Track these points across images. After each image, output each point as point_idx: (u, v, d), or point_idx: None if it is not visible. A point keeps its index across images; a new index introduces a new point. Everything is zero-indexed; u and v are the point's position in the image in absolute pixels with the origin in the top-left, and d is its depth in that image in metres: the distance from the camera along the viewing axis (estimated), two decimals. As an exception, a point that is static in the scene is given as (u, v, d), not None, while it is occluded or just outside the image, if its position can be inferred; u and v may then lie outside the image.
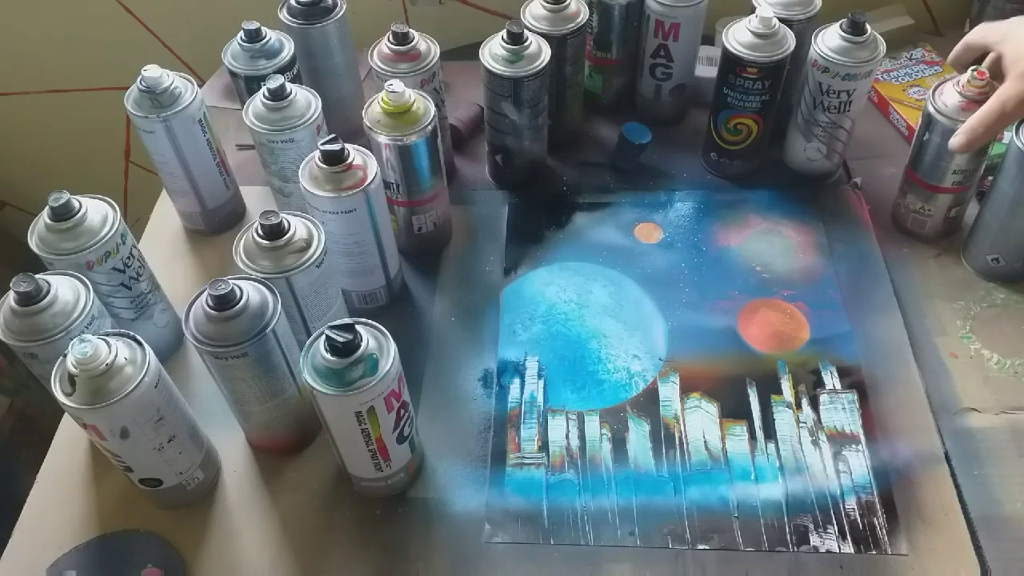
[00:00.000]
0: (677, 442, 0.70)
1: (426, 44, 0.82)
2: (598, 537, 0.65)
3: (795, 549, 0.64)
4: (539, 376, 0.75)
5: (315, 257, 0.65)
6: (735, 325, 0.78)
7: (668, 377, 0.74)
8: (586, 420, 0.72)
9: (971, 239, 0.81)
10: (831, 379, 0.73)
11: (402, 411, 0.62)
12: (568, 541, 0.65)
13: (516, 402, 0.74)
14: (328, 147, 0.68)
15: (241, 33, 0.82)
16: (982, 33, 0.75)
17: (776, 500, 0.66)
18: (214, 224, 0.88)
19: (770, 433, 0.70)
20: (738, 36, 0.81)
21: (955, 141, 0.73)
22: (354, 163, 0.70)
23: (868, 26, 0.79)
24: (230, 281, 0.60)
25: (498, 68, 0.80)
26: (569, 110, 0.93)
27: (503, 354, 0.77)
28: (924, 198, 0.81)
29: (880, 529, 0.64)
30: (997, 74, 0.73)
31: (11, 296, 0.61)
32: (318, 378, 0.57)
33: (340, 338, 0.56)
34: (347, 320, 0.57)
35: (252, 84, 0.81)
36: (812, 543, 0.64)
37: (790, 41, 0.80)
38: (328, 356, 0.56)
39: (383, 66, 0.80)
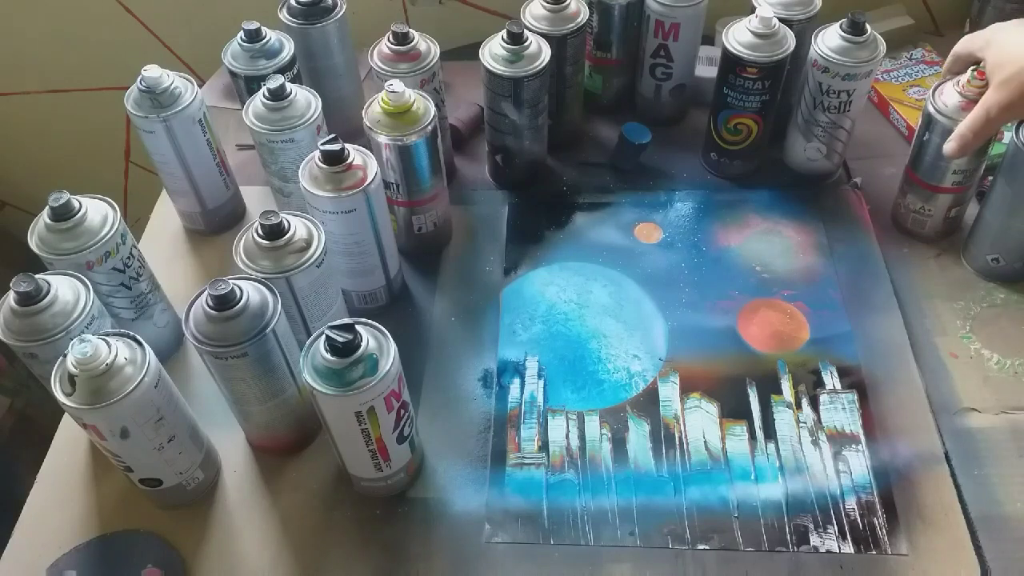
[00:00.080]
0: (677, 442, 0.70)
1: (426, 44, 0.82)
2: (598, 537, 0.65)
3: (795, 549, 0.64)
4: (539, 376, 0.75)
5: (315, 257, 0.65)
6: (735, 325, 0.78)
7: (668, 377, 0.74)
8: (586, 420, 0.72)
9: (971, 239, 0.81)
10: (831, 379, 0.73)
11: (402, 411, 0.62)
12: (568, 541, 0.65)
13: (516, 402, 0.74)
14: (328, 147, 0.68)
15: (241, 33, 0.82)
16: (966, 43, 0.75)
17: (776, 500, 0.66)
18: (214, 224, 0.88)
19: (770, 433, 0.70)
20: (738, 36, 0.81)
21: (947, 147, 0.74)
22: (354, 163, 0.70)
23: (868, 26, 0.79)
24: (230, 281, 0.60)
25: (498, 68, 0.80)
26: (569, 110, 0.93)
27: (503, 354, 0.77)
28: (924, 198, 0.81)
29: (880, 529, 0.64)
30: None
31: (11, 296, 0.61)
32: (318, 378, 0.57)
33: (340, 338, 0.56)
34: (347, 320, 0.57)
35: (252, 84, 0.81)
36: (812, 543, 0.64)
37: (790, 41, 0.80)
38: (328, 356, 0.56)
39: (383, 66, 0.80)
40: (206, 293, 0.59)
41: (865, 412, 0.71)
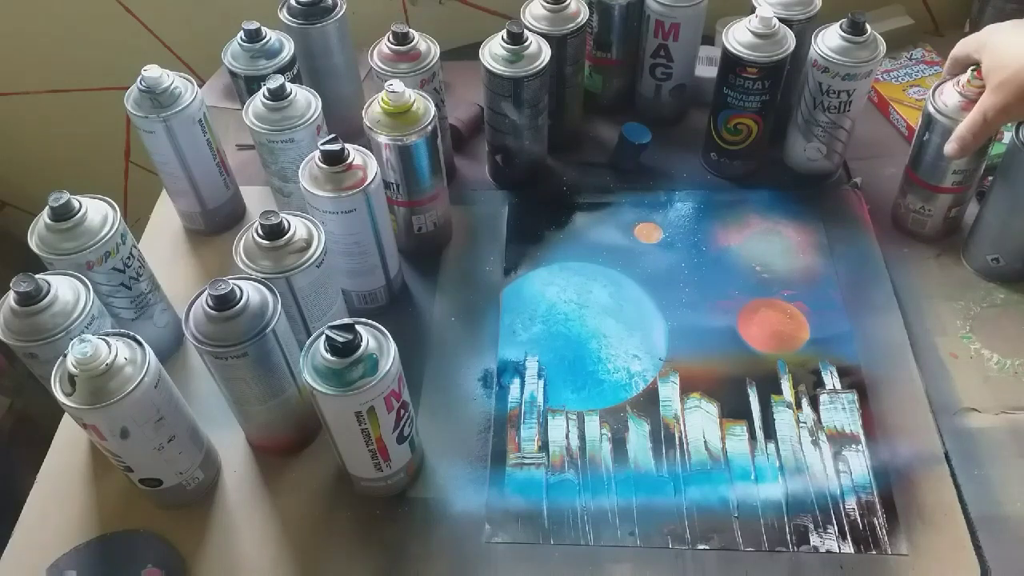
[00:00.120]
0: (677, 442, 0.70)
1: (426, 44, 0.82)
2: (598, 537, 0.65)
3: (795, 549, 0.64)
4: (539, 376, 0.75)
5: (315, 257, 0.65)
6: (735, 325, 0.78)
7: (668, 377, 0.74)
8: (586, 420, 0.72)
9: (971, 239, 0.81)
10: (831, 379, 0.73)
11: (402, 411, 0.62)
12: (568, 541, 0.65)
13: (516, 402, 0.74)
14: (328, 147, 0.68)
15: (241, 33, 0.82)
16: (963, 45, 0.75)
17: (776, 500, 0.66)
18: (214, 224, 0.88)
19: (770, 433, 0.70)
20: (738, 36, 0.81)
21: (947, 148, 0.74)
22: (354, 163, 0.70)
23: (868, 26, 0.79)
24: (230, 281, 0.60)
25: (498, 68, 0.80)
26: (569, 110, 0.93)
27: (503, 354, 0.77)
28: (924, 198, 0.81)
29: (880, 529, 0.64)
30: None
31: (11, 296, 0.61)
32: (318, 378, 0.57)
33: (340, 338, 0.56)
34: (347, 320, 0.57)
35: (252, 84, 0.81)
36: (812, 543, 0.64)
37: (790, 41, 0.80)
38: (328, 356, 0.56)
39: (383, 66, 0.80)
40: (206, 293, 0.59)
41: (865, 412, 0.71)
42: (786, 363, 0.75)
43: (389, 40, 0.80)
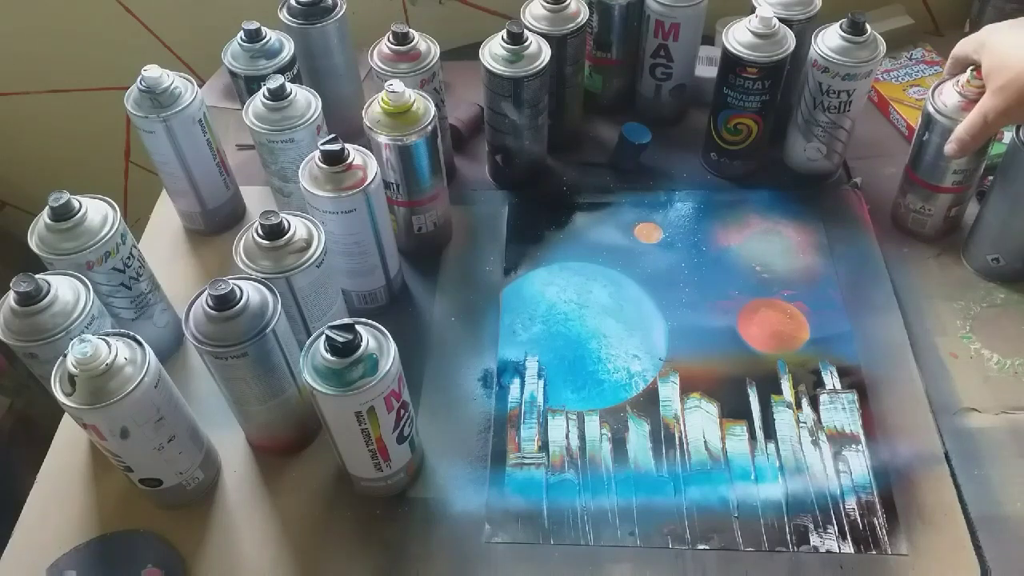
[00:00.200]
0: (677, 442, 0.70)
1: (426, 44, 0.82)
2: (598, 537, 0.65)
3: (795, 549, 0.64)
4: (539, 376, 0.75)
5: (315, 257, 0.65)
6: (735, 325, 0.78)
7: (668, 377, 0.74)
8: (586, 420, 0.72)
9: (971, 239, 0.81)
10: (831, 379, 0.73)
11: (402, 411, 0.62)
12: (568, 541, 0.65)
13: (516, 402, 0.73)
14: (328, 147, 0.68)
15: (241, 33, 0.82)
16: (962, 46, 0.75)
17: (776, 500, 0.66)
18: (214, 224, 0.88)
19: (770, 433, 0.70)
20: (738, 36, 0.81)
21: (947, 148, 0.74)
22: (354, 163, 0.70)
23: (868, 26, 0.79)
24: (230, 281, 0.60)
25: (498, 68, 0.80)
26: (569, 110, 0.93)
27: (503, 354, 0.77)
28: (924, 198, 0.81)
29: (880, 529, 0.64)
30: None
31: (11, 296, 0.61)
32: (318, 378, 0.57)
33: (340, 338, 0.56)
34: (347, 320, 0.57)
35: (252, 84, 0.81)
36: (812, 543, 0.64)
37: (790, 41, 0.80)
38: (328, 356, 0.56)
39: (383, 66, 0.80)
40: (206, 293, 0.59)
41: (865, 412, 0.71)
42: (786, 363, 0.75)
43: (389, 40, 0.80)
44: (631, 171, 0.92)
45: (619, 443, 0.70)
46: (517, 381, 0.75)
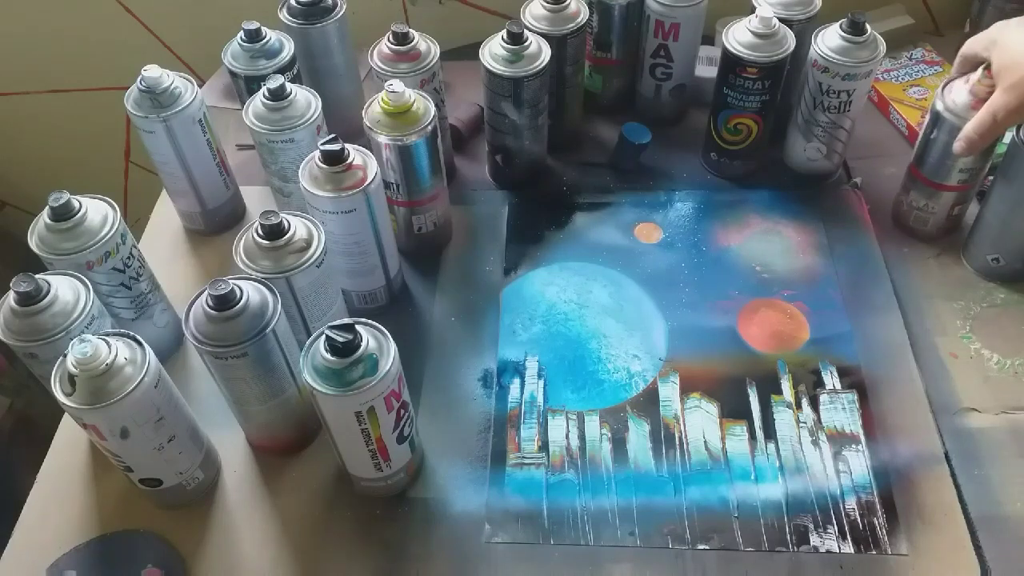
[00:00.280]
0: (677, 442, 0.70)
1: (426, 44, 0.82)
2: (598, 537, 0.65)
3: (795, 549, 0.64)
4: (539, 376, 0.75)
5: (315, 257, 0.65)
6: (735, 325, 0.78)
7: (668, 377, 0.74)
8: (586, 420, 0.72)
9: (971, 239, 0.81)
10: (831, 379, 0.73)
11: (402, 411, 0.62)
12: (568, 541, 0.65)
13: (516, 402, 0.73)
14: (328, 147, 0.68)
15: (241, 33, 0.82)
16: (972, 43, 0.75)
17: (776, 500, 0.66)
18: (214, 224, 0.88)
19: (770, 433, 0.70)
20: (738, 36, 0.81)
21: (955, 146, 0.73)
22: (354, 163, 0.70)
23: (868, 26, 0.79)
24: (230, 281, 0.60)
25: (498, 68, 0.80)
26: (569, 110, 0.93)
27: (503, 354, 0.77)
28: (928, 195, 0.81)
29: (880, 529, 0.64)
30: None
31: (11, 296, 0.61)
32: (318, 378, 0.57)
33: (340, 338, 0.56)
34: (347, 320, 0.57)
35: (252, 84, 0.81)
36: (812, 543, 0.64)
37: (790, 41, 0.80)
38: (328, 356, 0.56)
39: (383, 66, 0.80)
40: (206, 293, 0.59)
41: (865, 412, 0.71)
42: (786, 363, 0.75)
43: (389, 40, 0.80)
44: (631, 171, 0.92)
45: (619, 443, 0.70)
46: (517, 381, 0.75)
